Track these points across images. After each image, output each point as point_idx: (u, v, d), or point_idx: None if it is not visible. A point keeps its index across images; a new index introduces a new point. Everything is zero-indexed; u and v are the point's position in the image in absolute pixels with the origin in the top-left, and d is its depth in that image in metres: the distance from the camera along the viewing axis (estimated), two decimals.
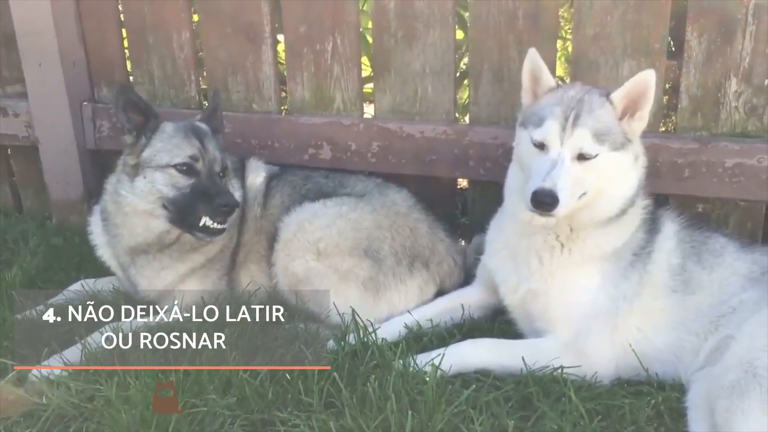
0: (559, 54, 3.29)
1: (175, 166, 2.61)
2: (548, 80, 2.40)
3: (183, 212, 2.61)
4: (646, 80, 2.26)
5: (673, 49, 3.14)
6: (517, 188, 2.39)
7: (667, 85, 3.17)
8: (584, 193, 2.26)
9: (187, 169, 2.62)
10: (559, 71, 3.68)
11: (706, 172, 2.78)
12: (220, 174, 2.70)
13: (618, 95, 2.29)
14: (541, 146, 2.28)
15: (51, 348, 2.46)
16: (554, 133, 2.25)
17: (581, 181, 2.24)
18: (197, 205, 2.58)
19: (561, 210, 2.19)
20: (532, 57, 2.40)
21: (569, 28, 3.84)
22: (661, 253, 2.42)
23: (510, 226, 2.51)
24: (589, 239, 2.37)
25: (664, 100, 3.00)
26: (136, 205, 2.66)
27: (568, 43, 3.87)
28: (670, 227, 2.47)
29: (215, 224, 2.58)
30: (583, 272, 2.38)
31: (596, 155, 2.24)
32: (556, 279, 2.39)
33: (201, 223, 2.58)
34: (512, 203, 2.47)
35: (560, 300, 2.38)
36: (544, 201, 2.18)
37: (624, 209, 2.36)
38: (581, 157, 2.24)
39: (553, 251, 2.39)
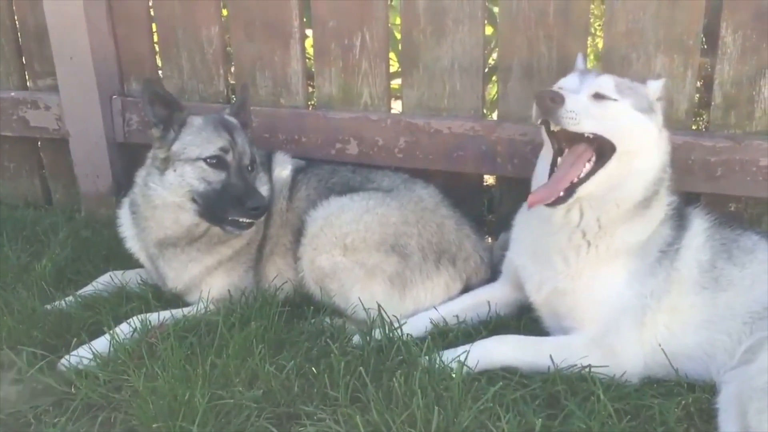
0: (588, 51, 3.25)
1: (205, 160, 2.62)
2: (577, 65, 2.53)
3: (212, 208, 2.61)
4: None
5: (705, 46, 3.09)
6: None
7: (699, 83, 3.13)
8: (605, 139, 2.19)
9: (217, 162, 2.62)
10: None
11: (740, 170, 2.73)
12: (249, 168, 2.71)
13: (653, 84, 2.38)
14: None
15: (80, 339, 2.50)
16: (573, 80, 2.29)
17: (598, 116, 2.18)
18: (227, 205, 2.58)
19: (569, 119, 2.11)
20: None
21: (599, 25, 3.81)
22: (689, 250, 2.37)
23: (534, 222, 2.48)
24: (616, 234, 2.33)
25: (696, 97, 2.96)
26: (165, 198, 2.67)
27: (598, 39, 3.84)
28: (699, 224, 2.43)
29: (244, 219, 2.59)
30: (610, 268, 2.34)
31: (615, 99, 2.24)
32: (583, 277, 2.35)
33: (230, 217, 2.59)
34: None
35: (588, 298, 2.35)
36: (545, 96, 2.11)
37: (648, 196, 2.31)
38: (598, 96, 2.23)
39: (580, 250, 2.35)
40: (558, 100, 2.12)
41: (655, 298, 2.31)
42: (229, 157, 2.64)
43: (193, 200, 2.64)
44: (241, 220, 2.59)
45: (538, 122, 2.25)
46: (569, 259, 2.37)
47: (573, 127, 2.15)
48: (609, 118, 2.22)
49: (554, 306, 2.43)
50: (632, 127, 2.26)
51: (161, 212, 2.70)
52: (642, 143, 2.27)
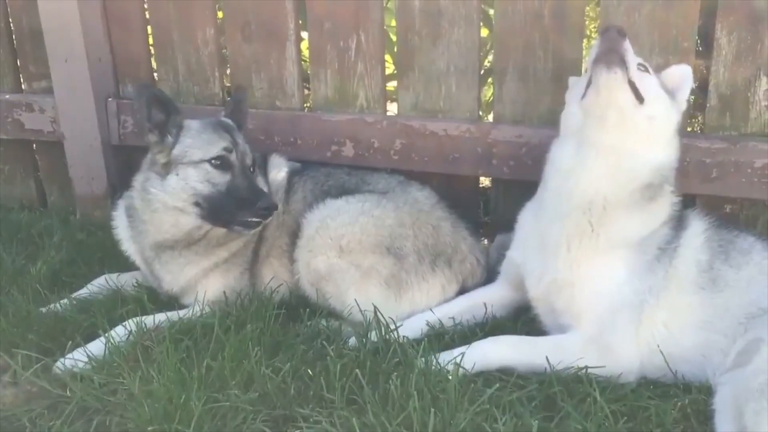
0: (584, 53, 3.26)
1: (209, 161, 2.60)
2: None
3: (218, 210, 2.59)
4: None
5: (700, 48, 3.10)
6: (567, 165, 2.37)
7: (694, 85, 3.13)
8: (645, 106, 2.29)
9: (221, 163, 2.60)
10: None
11: (735, 172, 2.74)
12: (251, 168, 2.70)
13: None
14: None
15: (75, 341, 2.49)
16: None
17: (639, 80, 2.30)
18: (234, 207, 2.57)
19: (630, 54, 2.27)
20: None
21: (594, 27, 3.82)
22: (688, 249, 2.38)
23: (547, 208, 2.45)
24: (617, 224, 2.33)
25: (691, 99, 2.96)
26: (167, 202, 2.63)
27: (594, 41, 3.83)
28: (698, 225, 2.44)
29: (253, 217, 2.58)
30: (609, 261, 2.33)
31: (651, 74, 2.37)
32: (581, 268, 2.35)
33: (239, 218, 2.58)
34: (555, 179, 2.43)
35: (585, 291, 2.33)
36: (614, 27, 2.31)
37: (653, 184, 2.33)
38: (641, 65, 2.34)
39: (582, 237, 2.34)
40: (624, 33, 2.29)
41: (653, 294, 2.31)
42: (233, 158, 2.63)
43: (196, 204, 2.61)
44: (249, 219, 2.58)
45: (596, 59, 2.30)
46: (572, 246, 2.35)
47: (630, 61, 2.27)
48: (645, 85, 2.31)
49: (552, 300, 2.42)
50: (661, 101, 2.35)
51: (161, 216, 2.67)
52: (662, 117, 2.34)
